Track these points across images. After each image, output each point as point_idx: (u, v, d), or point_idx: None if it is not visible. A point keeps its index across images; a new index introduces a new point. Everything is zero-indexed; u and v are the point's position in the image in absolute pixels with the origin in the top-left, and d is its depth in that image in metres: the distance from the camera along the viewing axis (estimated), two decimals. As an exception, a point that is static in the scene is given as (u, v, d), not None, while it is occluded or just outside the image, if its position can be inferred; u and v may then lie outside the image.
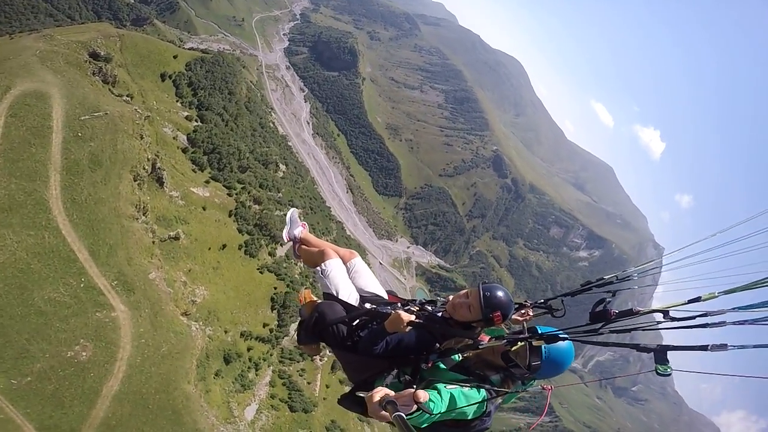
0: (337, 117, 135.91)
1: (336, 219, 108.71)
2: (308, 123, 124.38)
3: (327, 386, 64.16)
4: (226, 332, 51.67)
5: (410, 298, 4.50)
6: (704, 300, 2.51)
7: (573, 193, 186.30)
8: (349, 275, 4.52)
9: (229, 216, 62.10)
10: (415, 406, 2.35)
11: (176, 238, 48.32)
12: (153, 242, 42.35)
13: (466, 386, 3.12)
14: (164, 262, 44.87)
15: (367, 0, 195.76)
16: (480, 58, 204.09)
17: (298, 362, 62.07)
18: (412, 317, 3.60)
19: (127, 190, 41.20)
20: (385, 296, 4.49)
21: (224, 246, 57.81)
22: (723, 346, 2.20)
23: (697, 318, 2.39)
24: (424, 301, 4.26)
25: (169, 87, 66.87)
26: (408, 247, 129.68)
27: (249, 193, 67.84)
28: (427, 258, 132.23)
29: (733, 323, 2.24)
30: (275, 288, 62.68)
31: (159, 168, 48.47)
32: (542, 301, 4.25)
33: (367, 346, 3.70)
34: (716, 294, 2.44)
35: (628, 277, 3.79)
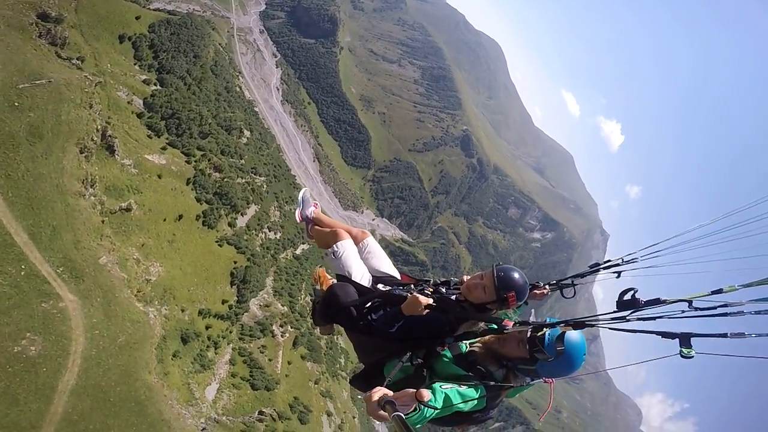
0: (309, 85, 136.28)
1: (300, 188, 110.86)
2: (278, 89, 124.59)
3: (289, 362, 63.23)
4: (183, 311, 49.62)
5: (425, 278, 4.46)
6: (726, 292, 2.67)
7: (533, 176, 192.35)
8: (361, 255, 4.51)
9: (187, 184, 59.55)
10: (414, 406, 2.42)
11: (128, 209, 45.82)
12: (103, 222, 39.69)
13: (463, 385, 3.13)
14: (115, 237, 42.37)
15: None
16: (461, 38, 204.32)
17: (258, 339, 60.72)
18: (430, 300, 3.54)
19: (72, 165, 37.38)
20: (399, 276, 4.51)
21: (180, 216, 55.46)
22: (741, 334, 2.37)
23: (719, 308, 2.54)
24: (438, 282, 4.28)
25: (127, 49, 65.13)
26: (373, 219, 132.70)
27: (209, 160, 65.59)
28: (391, 231, 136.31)
29: (752, 313, 2.42)
30: (235, 262, 60.94)
31: (110, 135, 46.10)
32: (553, 282, 4.50)
33: (382, 328, 3.71)
34: (736, 287, 2.61)
35: (634, 259, 3.90)
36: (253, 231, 73.37)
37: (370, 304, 3.92)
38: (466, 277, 3.98)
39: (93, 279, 35.90)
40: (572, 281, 4.49)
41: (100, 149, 44.86)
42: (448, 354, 3.57)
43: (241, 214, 71.07)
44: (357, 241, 4.62)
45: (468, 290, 3.76)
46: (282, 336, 64.50)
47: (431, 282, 4.30)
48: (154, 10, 78.74)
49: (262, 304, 65.48)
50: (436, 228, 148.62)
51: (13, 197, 32.77)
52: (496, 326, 3.60)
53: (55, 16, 51.40)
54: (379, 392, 2.35)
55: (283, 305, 71.16)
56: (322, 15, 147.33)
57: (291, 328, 67.92)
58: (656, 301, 2.85)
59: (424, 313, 3.52)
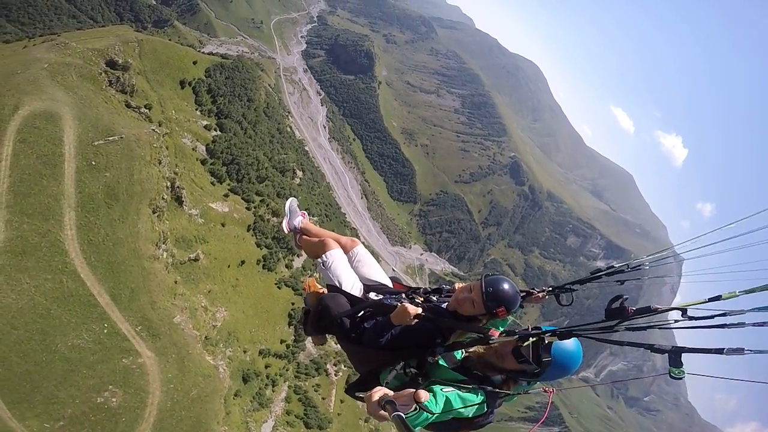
0: (352, 121, 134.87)
1: (351, 225, 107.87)
2: (324, 127, 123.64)
3: (341, 401, 63.53)
4: (245, 352, 51.94)
5: (415, 286, 4.35)
6: (725, 299, 2.39)
7: (591, 200, 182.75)
8: (352, 264, 4.41)
9: (248, 230, 62.05)
10: (413, 406, 2.31)
11: (196, 259, 48.49)
12: (175, 282, 41.44)
13: (464, 388, 3.08)
14: (185, 285, 44.22)
15: (383, 3, 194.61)
16: (497, 62, 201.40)
17: (313, 377, 62.18)
18: (419, 310, 3.48)
19: (146, 228, 39.48)
20: (390, 284, 4.38)
21: (243, 262, 57.94)
22: (740, 350, 2.09)
23: (716, 318, 2.29)
24: (429, 290, 4.19)
25: (188, 94, 66.13)
26: (421, 254, 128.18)
27: (267, 206, 67.68)
28: (440, 265, 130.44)
29: (753, 324, 2.10)
30: (293, 304, 62.69)
31: (178, 187, 47.67)
32: (549, 288, 4.18)
33: (372, 338, 3.67)
34: (737, 293, 2.31)
35: (639, 266, 3.74)
36: (309, 271, 73.06)
37: (361, 313, 3.87)
38: (458, 285, 3.79)
39: (168, 337, 38.27)
40: (570, 288, 4.08)
41: (170, 200, 45.46)
42: (443, 363, 3.54)
43: (297, 256, 71.25)
44: (347, 250, 4.52)
45: (457, 303, 3.62)
46: (335, 375, 65.75)
47: (422, 290, 4.20)
48: (208, 53, 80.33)
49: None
50: (489, 261, 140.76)
51: (96, 261, 35.05)
52: (483, 335, 3.45)
53: (122, 63, 51.95)
54: (380, 392, 2.30)
55: (336, 343, 69.54)
56: (358, 51, 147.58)
57: (344, 366, 68.83)
58: (646, 310, 2.76)
59: (413, 322, 3.49)
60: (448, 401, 2.89)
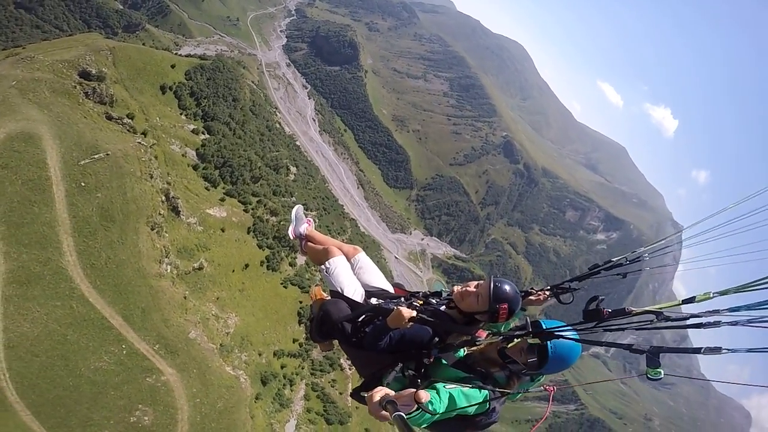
0: (342, 112, 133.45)
1: (349, 216, 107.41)
2: (314, 120, 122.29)
3: None
4: (260, 355, 52.40)
5: (415, 290, 4.44)
6: (698, 301, 2.48)
7: (586, 174, 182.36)
8: (354, 271, 4.51)
9: (248, 233, 61.52)
10: (415, 406, 2.33)
11: (200, 268, 47.77)
12: (185, 297, 41.23)
13: (467, 386, 3.10)
14: (192, 295, 44.05)
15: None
16: (481, 44, 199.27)
17: (328, 373, 62.53)
18: (414, 313, 3.55)
19: (147, 246, 38.70)
20: (391, 290, 4.47)
21: (247, 265, 57.72)
22: (717, 350, 2.17)
23: (691, 319, 2.36)
24: (428, 293, 4.24)
25: (171, 99, 64.37)
26: (422, 239, 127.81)
27: (265, 206, 67.09)
28: (442, 249, 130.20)
29: (728, 324, 2.21)
30: (300, 302, 62.80)
31: (173, 197, 46.61)
32: (550, 287, 4.18)
33: (371, 342, 3.73)
34: (711, 295, 2.41)
35: (638, 258, 3.73)
36: (313, 267, 72.22)
37: (362, 318, 3.94)
38: (457, 288, 3.76)
39: (186, 353, 38.32)
40: (569, 286, 4.07)
41: (167, 211, 44.41)
42: (444, 362, 3.57)
43: (300, 253, 69.16)
44: (349, 257, 4.62)
45: (461, 297, 3.64)
46: (350, 368, 64.80)
47: (421, 294, 4.25)
48: (186, 56, 78.33)
49: (327, 335, 67.22)
50: (490, 241, 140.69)
51: (102, 285, 34.39)
52: (470, 337, 3.60)
53: (96, 73, 49.65)
54: (381, 392, 2.32)
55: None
56: (341, 41, 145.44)
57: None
58: (621, 312, 2.78)
59: (409, 325, 3.53)
60: (452, 398, 2.89)
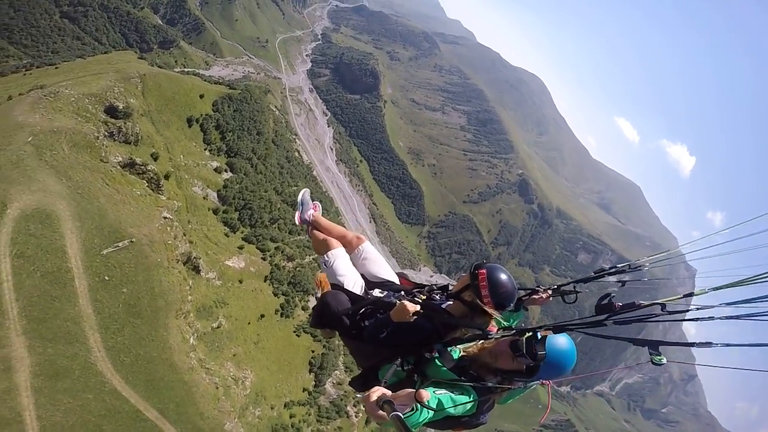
0: (359, 142, 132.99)
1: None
2: (332, 149, 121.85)
3: None
4: (272, 408, 51.64)
5: (421, 283, 4.34)
6: (696, 295, 2.64)
7: (600, 215, 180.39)
8: (358, 261, 4.45)
9: (264, 281, 60.76)
10: (411, 406, 2.36)
11: (218, 327, 47.13)
12: (217, 388, 40.37)
13: (456, 390, 3.12)
14: (209, 356, 42.96)
15: (385, 19, 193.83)
16: (500, 77, 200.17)
17: (334, 420, 61.52)
18: (417, 307, 3.49)
19: (177, 341, 37.02)
20: (397, 281, 4.38)
21: (262, 315, 56.97)
22: (708, 344, 2.29)
23: (688, 312, 2.55)
24: (433, 287, 4.13)
25: (196, 133, 63.41)
26: (431, 276, 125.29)
27: (282, 252, 66.35)
28: (450, 287, 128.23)
29: (721, 318, 2.36)
30: (312, 351, 62.45)
31: (195, 258, 45.33)
32: (554, 287, 4.16)
33: (371, 334, 3.69)
34: (706, 290, 2.56)
35: (640, 266, 3.84)
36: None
37: (363, 310, 3.92)
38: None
39: None
40: (574, 286, 4.09)
41: (188, 270, 42.89)
42: (438, 362, 3.56)
43: (314, 296, 69.55)
44: (353, 246, 4.56)
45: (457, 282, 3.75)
46: (356, 416, 64.80)
47: (427, 288, 4.13)
48: (214, 83, 77.26)
49: (335, 382, 67.07)
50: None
51: (134, 380, 32.97)
52: (481, 331, 3.55)
53: (123, 108, 48.29)
54: (378, 392, 2.32)
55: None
56: (363, 69, 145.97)
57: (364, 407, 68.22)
58: (631, 305, 2.89)
59: (412, 319, 3.51)
60: (440, 403, 2.91)
